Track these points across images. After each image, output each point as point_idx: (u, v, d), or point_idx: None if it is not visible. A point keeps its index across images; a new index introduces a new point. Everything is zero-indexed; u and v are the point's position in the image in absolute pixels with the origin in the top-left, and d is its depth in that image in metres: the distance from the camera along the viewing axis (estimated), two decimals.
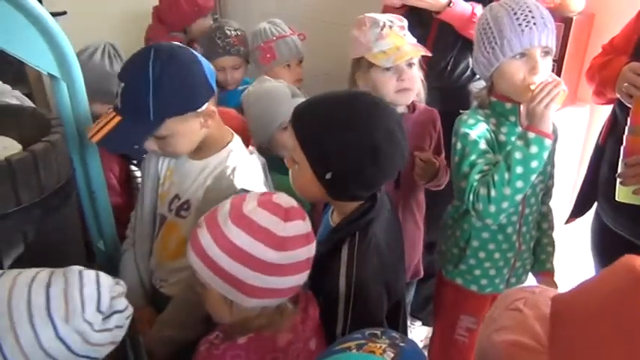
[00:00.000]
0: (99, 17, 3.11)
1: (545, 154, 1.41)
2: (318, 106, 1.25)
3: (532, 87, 1.41)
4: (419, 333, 2.49)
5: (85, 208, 1.57)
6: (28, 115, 1.39)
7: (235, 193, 1.24)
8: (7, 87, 1.79)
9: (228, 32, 2.38)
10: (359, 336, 0.95)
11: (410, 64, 1.68)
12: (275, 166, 1.58)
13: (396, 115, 1.25)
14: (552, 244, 1.75)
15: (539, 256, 1.74)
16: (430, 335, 2.06)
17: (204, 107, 1.34)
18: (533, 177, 1.43)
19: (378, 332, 0.96)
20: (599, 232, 1.80)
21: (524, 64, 1.44)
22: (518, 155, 1.40)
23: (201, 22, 2.72)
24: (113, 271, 1.52)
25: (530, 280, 1.77)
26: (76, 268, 0.93)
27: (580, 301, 0.70)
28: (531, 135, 1.39)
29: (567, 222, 1.88)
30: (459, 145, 1.51)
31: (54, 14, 1.35)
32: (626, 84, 1.48)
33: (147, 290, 1.55)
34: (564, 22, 2.21)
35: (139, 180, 1.89)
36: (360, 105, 1.21)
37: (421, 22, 2.02)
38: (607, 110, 1.77)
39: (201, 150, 1.42)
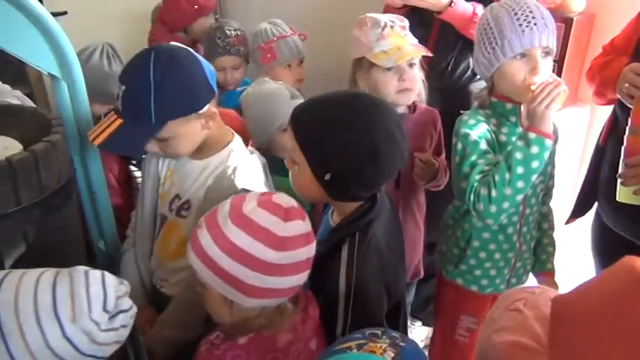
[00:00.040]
0: (99, 17, 3.12)
1: (546, 155, 1.41)
2: (317, 106, 1.25)
3: (533, 87, 1.41)
4: (419, 333, 2.49)
5: (86, 208, 1.57)
6: (28, 115, 1.39)
7: (236, 193, 1.24)
8: (7, 87, 1.79)
9: (228, 32, 2.38)
10: (359, 336, 0.95)
11: (411, 65, 1.68)
12: (275, 167, 1.57)
13: (396, 115, 1.25)
14: (553, 244, 1.74)
15: (540, 257, 1.74)
16: (430, 335, 2.07)
17: (205, 109, 1.34)
18: (534, 177, 1.43)
19: (379, 332, 0.96)
20: (599, 233, 1.80)
21: (525, 65, 1.44)
22: (519, 155, 1.40)
23: (202, 22, 2.71)
24: (114, 271, 1.52)
25: (531, 281, 1.77)
26: (82, 268, 0.93)
27: (580, 302, 0.70)
28: (532, 135, 1.39)
29: (568, 222, 1.88)
30: (459, 146, 1.51)
31: (54, 14, 1.35)
32: (626, 84, 1.48)
33: (147, 290, 1.55)
34: (565, 22, 2.21)
35: (139, 180, 1.89)
36: (360, 105, 1.21)
37: (422, 23, 2.03)
38: (607, 111, 1.77)
39: (202, 150, 1.42)
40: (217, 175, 1.39)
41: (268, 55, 2.26)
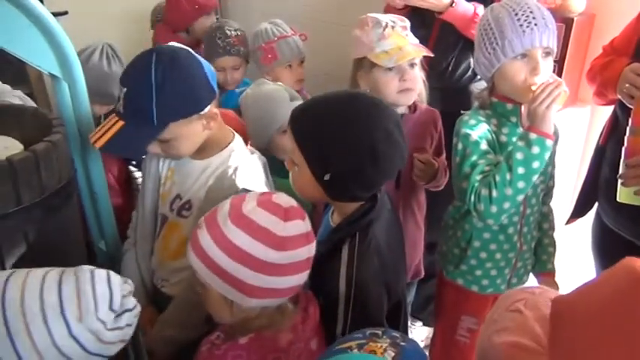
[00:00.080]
0: (100, 17, 3.12)
1: (547, 155, 1.41)
2: (316, 107, 1.25)
3: (533, 88, 1.41)
4: (420, 333, 2.49)
5: (87, 209, 1.57)
6: (29, 115, 1.39)
7: (237, 193, 1.24)
8: (7, 87, 1.79)
9: (228, 32, 2.38)
10: (360, 336, 0.95)
11: (412, 65, 1.69)
12: (274, 168, 1.57)
13: (395, 115, 1.25)
14: (553, 244, 1.75)
15: (541, 257, 1.74)
16: (431, 336, 2.07)
17: (206, 109, 1.34)
18: (535, 177, 1.43)
19: (379, 332, 0.96)
20: (599, 233, 1.80)
21: (526, 65, 1.44)
22: (519, 156, 1.40)
23: (204, 21, 2.69)
24: (114, 271, 1.52)
25: (532, 281, 1.77)
26: (87, 267, 0.94)
27: (581, 303, 0.70)
28: (533, 136, 1.39)
29: (568, 222, 1.88)
30: (460, 146, 1.51)
31: (55, 14, 1.36)
32: (627, 85, 1.48)
33: (148, 290, 1.55)
34: (565, 22, 2.21)
35: (139, 181, 1.89)
36: (359, 106, 1.21)
37: (423, 23, 2.03)
38: (608, 111, 1.77)
39: (203, 150, 1.42)
40: (218, 175, 1.39)
41: (269, 56, 2.26)
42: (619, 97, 1.56)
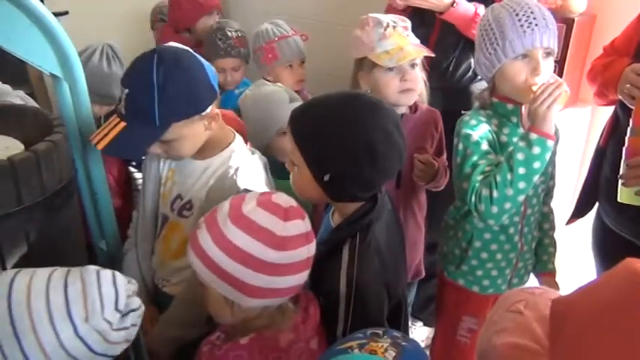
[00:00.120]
0: (101, 17, 3.11)
1: (548, 155, 1.41)
2: (315, 108, 1.25)
3: (534, 88, 1.41)
4: (420, 333, 2.49)
5: (87, 209, 1.57)
6: (30, 115, 1.39)
7: (238, 193, 1.24)
8: (7, 87, 1.79)
9: (229, 33, 2.38)
10: (360, 335, 0.96)
11: (413, 65, 1.69)
12: (274, 170, 1.57)
13: (394, 115, 1.25)
14: (554, 244, 1.74)
15: (541, 257, 1.74)
16: (431, 336, 2.06)
17: (208, 110, 1.34)
18: (536, 178, 1.43)
19: (380, 332, 0.96)
20: (600, 233, 1.80)
21: (526, 65, 1.44)
22: (520, 156, 1.40)
23: (205, 21, 2.68)
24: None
25: (533, 281, 1.77)
26: (93, 267, 0.94)
27: (581, 304, 0.70)
28: (533, 136, 1.39)
29: (568, 223, 1.88)
30: (460, 146, 1.51)
31: (56, 14, 1.35)
32: (628, 85, 1.48)
33: (149, 290, 1.56)
34: (566, 23, 2.21)
35: (139, 182, 1.89)
36: (358, 106, 1.21)
37: (424, 23, 2.03)
38: (608, 111, 1.76)
39: (204, 150, 1.42)
40: (219, 175, 1.39)
41: (269, 55, 2.26)
42: (620, 97, 1.56)
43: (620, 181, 1.42)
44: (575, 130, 2.36)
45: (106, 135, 1.31)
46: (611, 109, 1.73)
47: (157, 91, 1.25)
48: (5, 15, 1.23)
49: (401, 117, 1.70)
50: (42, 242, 1.21)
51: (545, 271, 1.74)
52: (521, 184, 1.41)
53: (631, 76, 1.48)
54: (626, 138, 1.43)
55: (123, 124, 1.31)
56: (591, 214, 1.84)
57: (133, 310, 0.96)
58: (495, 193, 1.42)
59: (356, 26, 1.73)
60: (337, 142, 1.16)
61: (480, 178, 1.46)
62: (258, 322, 1.10)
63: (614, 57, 1.68)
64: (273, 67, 2.27)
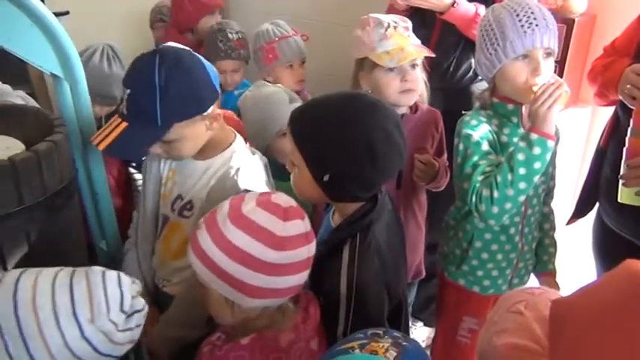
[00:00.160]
0: (101, 17, 3.12)
1: (548, 156, 1.41)
2: (315, 108, 1.25)
3: (534, 88, 1.42)
4: (421, 334, 2.49)
5: (88, 209, 1.57)
6: (31, 115, 1.39)
7: (238, 194, 1.24)
8: (8, 87, 1.79)
9: (230, 35, 2.38)
10: (361, 336, 0.95)
11: (413, 65, 1.69)
12: (274, 172, 1.57)
13: (394, 115, 1.25)
14: (554, 244, 1.74)
15: (541, 257, 1.74)
16: (432, 336, 2.07)
17: (209, 110, 1.34)
18: (536, 178, 1.43)
19: (381, 332, 0.96)
20: (600, 233, 1.80)
21: (527, 66, 1.44)
22: (521, 157, 1.40)
23: (207, 21, 2.68)
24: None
25: (533, 281, 1.77)
26: (98, 268, 0.95)
27: (582, 305, 0.70)
28: (534, 136, 1.39)
29: (569, 223, 1.88)
30: (461, 146, 1.51)
31: (57, 14, 1.36)
32: (628, 86, 1.48)
33: (149, 290, 1.55)
34: (566, 23, 2.21)
35: (139, 182, 1.89)
36: (357, 106, 1.21)
37: (424, 23, 2.03)
38: (609, 112, 1.76)
39: (205, 150, 1.42)
40: (220, 175, 1.39)
41: (270, 55, 2.26)
42: (620, 97, 1.56)
43: (620, 182, 1.42)
44: (575, 130, 2.37)
45: (107, 135, 1.31)
46: (611, 110, 1.73)
47: (158, 92, 1.25)
48: (6, 15, 1.24)
49: (401, 117, 1.70)
50: (43, 242, 1.21)
51: (546, 271, 1.74)
52: (522, 185, 1.41)
53: (631, 76, 1.48)
54: (627, 138, 1.43)
55: (124, 124, 1.31)
56: (592, 215, 1.85)
57: (138, 311, 0.96)
58: (496, 194, 1.42)
59: (357, 26, 1.73)
60: (337, 142, 1.16)
61: (480, 178, 1.46)
62: (258, 322, 1.10)
63: (615, 57, 1.68)
64: (274, 67, 2.26)
